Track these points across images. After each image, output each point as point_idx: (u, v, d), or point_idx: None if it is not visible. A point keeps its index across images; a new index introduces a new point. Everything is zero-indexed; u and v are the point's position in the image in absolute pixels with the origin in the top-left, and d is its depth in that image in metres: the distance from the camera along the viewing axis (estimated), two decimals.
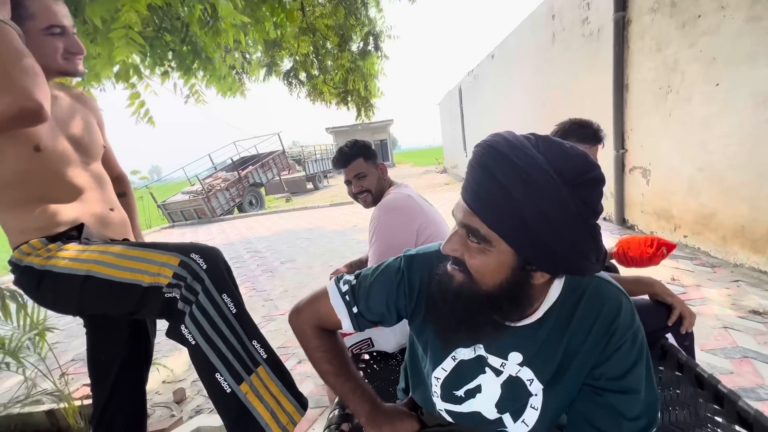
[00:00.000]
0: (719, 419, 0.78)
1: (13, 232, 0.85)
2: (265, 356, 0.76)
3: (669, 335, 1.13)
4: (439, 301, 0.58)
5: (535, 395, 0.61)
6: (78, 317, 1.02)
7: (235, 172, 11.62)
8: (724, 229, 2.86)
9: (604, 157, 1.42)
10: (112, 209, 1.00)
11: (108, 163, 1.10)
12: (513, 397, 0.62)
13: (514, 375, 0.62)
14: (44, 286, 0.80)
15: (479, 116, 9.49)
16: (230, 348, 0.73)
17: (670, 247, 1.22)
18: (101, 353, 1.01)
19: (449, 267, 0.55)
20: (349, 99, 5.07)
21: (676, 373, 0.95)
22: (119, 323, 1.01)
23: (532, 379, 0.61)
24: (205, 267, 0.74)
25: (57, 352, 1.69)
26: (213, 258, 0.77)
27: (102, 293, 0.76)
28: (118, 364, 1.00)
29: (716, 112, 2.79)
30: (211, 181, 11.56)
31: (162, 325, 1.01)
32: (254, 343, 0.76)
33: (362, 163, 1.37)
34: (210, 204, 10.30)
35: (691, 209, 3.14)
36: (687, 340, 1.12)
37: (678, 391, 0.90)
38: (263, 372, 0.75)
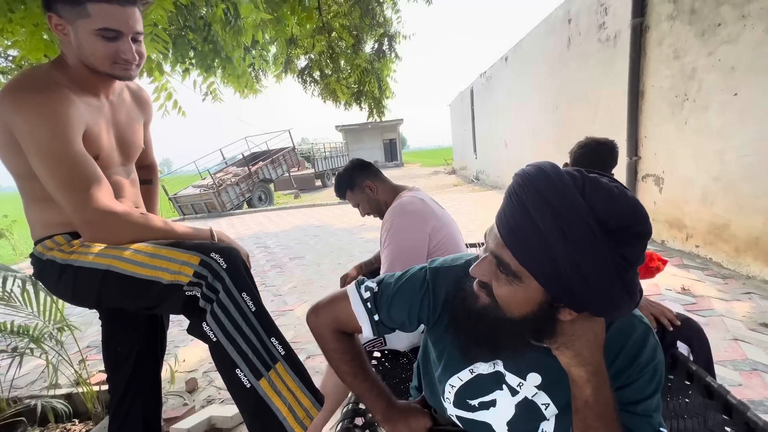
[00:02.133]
0: (728, 429, 0.79)
1: (37, 224, 0.88)
2: (283, 353, 0.79)
3: (681, 345, 1.14)
4: (463, 317, 0.58)
5: (548, 420, 0.62)
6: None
7: (246, 168, 11.74)
8: (738, 240, 2.83)
9: (619, 166, 1.43)
10: (136, 207, 1.02)
11: (144, 152, 1.13)
12: (526, 419, 0.63)
13: (530, 398, 0.62)
14: (65, 279, 0.83)
15: (490, 119, 9.45)
16: (250, 345, 0.75)
17: (664, 262, 1.25)
18: (118, 345, 1.04)
19: (475, 287, 0.55)
20: (362, 99, 5.09)
21: (686, 382, 0.96)
22: (136, 316, 1.03)
23: (548, 404, 0.61)
24: (225, 266, 0.77)
25: (77, 337, 1.74)
26: (233, 257, 0.79)
27: (121, 288, 0.78)
28: (135, 356, 1.03)
29: (734, 122, 2.76)
30: (222, 175, 11.69)
31: (175, 317, 1.04)
32: (272, 339, 0.79)
33: (351, 195, 1.47)
34: (220, 198, 10.43)
35: (704, 219, 3.11)
36: (701, 350, 1.13)
37: (687, 400, 0.91)
38: (281, 368, 0.77)
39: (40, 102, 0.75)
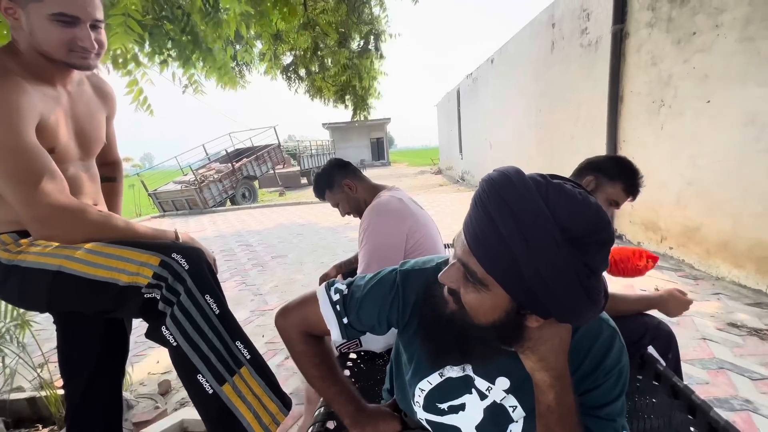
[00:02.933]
0: (692, 428, 0.81)
1: None
2: (248, 357, 0.76)
3: (651, 348, 1.17)
4: (432, 322, 0.58)
5: (516, 422, 0.62)
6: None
7: (229, 164, 11.52)
8: (708, 242, 2.93)
9: None
10: (95, 205, 0.96)
11: (107, 148, 1.08)
12: (494, 422, 0.63)
13: (498, 401, 0.62)
14: (12, 281, 0.77)
15: (476, 120, 9.55)
16: (213, 349, 0.72)
17: (655, 259, 1.26)
18: (74, 350, 0.97)
19: (445, 293, 0.55)
20: (347, 97, 5.06)
21: (654, 382, 0.98)
22: (94, 320, 0.97)
23: (516, 407, 0.61)
24: (187, 267, 0.73)
25: (39, 340, 1.67)
26: (195, 258, 0.75)
27: (74, 290, 0.73)
28: (93, 362, 0.96)
29: (706, 129, 2.86)
30: (205, 171, 11.45)
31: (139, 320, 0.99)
32: (237, 343, 0.76)
33: (330, 195, 1.45)
34: (202, 195, 10.21)
35: (678, 222, 3.22)
36: (671, 353, 1.16)
37: (654, 400, 0.93)
38: (246, 372, 0.75)
39: None
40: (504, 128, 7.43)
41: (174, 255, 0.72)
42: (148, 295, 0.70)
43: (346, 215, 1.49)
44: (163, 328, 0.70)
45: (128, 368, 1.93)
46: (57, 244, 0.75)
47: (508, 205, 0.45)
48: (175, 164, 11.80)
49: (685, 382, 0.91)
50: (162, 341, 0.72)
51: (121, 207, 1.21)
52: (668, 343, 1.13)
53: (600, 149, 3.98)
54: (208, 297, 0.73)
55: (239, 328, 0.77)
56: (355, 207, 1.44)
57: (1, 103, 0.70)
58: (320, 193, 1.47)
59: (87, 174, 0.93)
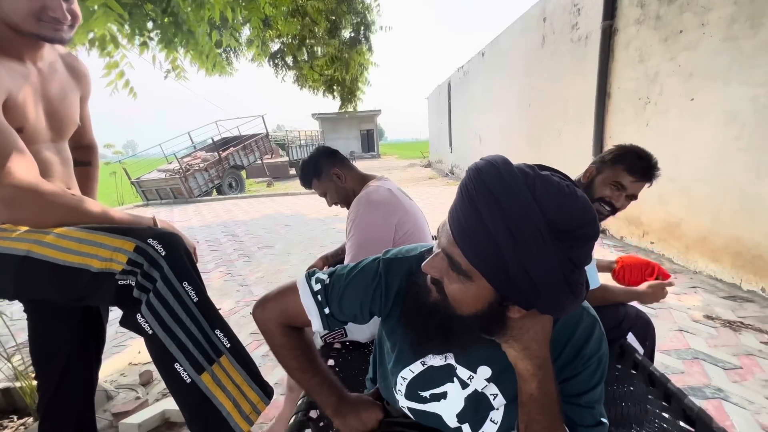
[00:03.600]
0: (666, 415, 0.84)
1: None
2: (228, 345, 0.74)
3: (630, 336, 1.20)
4: (415, 311, 0.58)
5: (497, 410, 0.63)
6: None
7: (216, 153, 11.29)
8: (688, 238, 3.01)
9: (584, 164, 1.42)
10: (68, 189, 0.91)
11: (81, 130, 1.02)
12: (475, 410, 0.63)
13: (479, 390, 0.62)
14: None
15: (466, 113, 9.55)
16: (191, 337, 0.69)
17: (666, 276, 1.27)
18: (46, 341, 0.93)
19: (428, 282, 0.55)
20: (335, 88, 4.99)
21: (632, 371, 1.01)
22: (67, 308, 0.93)
23: (497, 394, 0.62)
24: (164, 253, 0.70)
25: (13, 330, 1.61)
26: (173, 244, 0.72)
27: (43, 277, 0.70)
28: (66, 353, 0.92)
29: (689, 126, 2.92)
30: (190, 160, 11.19)
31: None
32: (217, 332, 0.73)
33: (317, 183, 1.42)
34: (187, 184, 10.00)
35: (659, 218, 3.29)
36: (648, 341, 1.20)
37: (632, 388, 0.95)
38: (226, 361, 0.73)
39: None
40: (494, 122, 7.46)
41: (150, 240, 0.69)
42: (123, 282, 0.68)
43: (334, 205, 1.46)
44: (138, 316, 0.67)
45: (107, 359, 1.90)
46: (26, 228, 0.71)
47: (495, 197, 0.44)
48: (159, 152, 11.49)
49: (661, 371, 0.93)
50: (137, 329, 0.69)
51: (96, 192, 1.16)
52: (646, 331, 1.16)
53: (587, 145, 4.03)
54: (186, 284, 0.71)
55: (219, 316, 0.75)
56: (343, 197, 1.41)
57: None
58: (307, 182, 1.44)
59: (59, 157, 0.89)
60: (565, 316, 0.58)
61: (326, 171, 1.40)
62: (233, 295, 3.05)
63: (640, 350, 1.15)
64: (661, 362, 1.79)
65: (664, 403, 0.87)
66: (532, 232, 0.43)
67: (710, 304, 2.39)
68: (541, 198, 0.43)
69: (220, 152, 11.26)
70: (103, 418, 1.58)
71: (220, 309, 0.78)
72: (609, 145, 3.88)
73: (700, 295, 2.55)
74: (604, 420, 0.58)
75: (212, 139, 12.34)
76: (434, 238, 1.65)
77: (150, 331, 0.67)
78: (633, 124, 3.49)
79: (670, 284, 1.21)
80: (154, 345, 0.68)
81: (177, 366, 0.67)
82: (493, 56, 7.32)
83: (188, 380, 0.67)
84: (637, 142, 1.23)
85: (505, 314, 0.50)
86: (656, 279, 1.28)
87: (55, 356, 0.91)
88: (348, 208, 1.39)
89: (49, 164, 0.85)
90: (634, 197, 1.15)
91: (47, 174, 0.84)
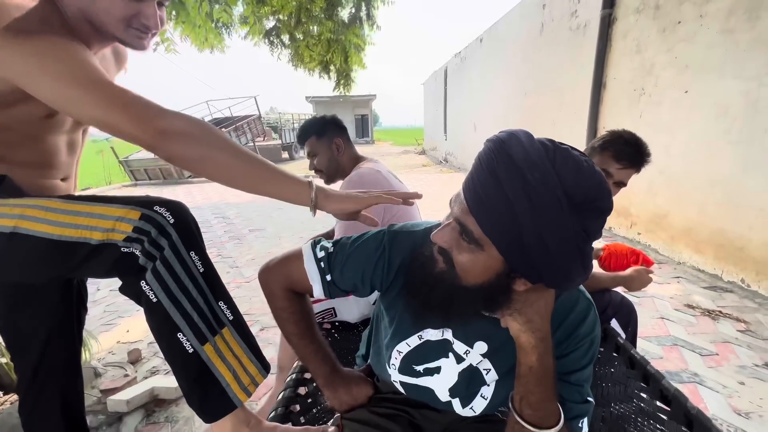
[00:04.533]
0: (644, 395, 0.87)
1: None
2: (231, 318, 0.73)
3: (614, 321, 1.23)
4: (419, 281, 0.58)
5: (488, 385, 0.64)
6: None
7: None
8: (674, 229, 3.07)
9: None
10: (65, 178, 0.87)
11: None
12: (467, 384, 0.65)
13: (474, 365, 0.64)
14: None
15: (462, 100, 9.48)
16: (195, 307, 0.68)
17: (649, 263, 1.30)
18: (20, 321, 0.87)
19: (435, 252, 0.55)
20: (330, 69, 4.89)
21: (613, 354, 1.04)
22: (43, 286, 0.88)
23: (490, 370, 0.63)
24: (172, 221, 0.67)
25: None
26: (181, 212, 0.70)
27: (33, 254, 0.66)
28: (44, 334, 0.88)
29: (682, 118, 2.94)
30: None
31: (111, 282, 0.90)
32: (221, 303, 0.72)
33: (314, 141, 1.38)
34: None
35: (648, 209, 3.35)
36: (630, 327, 1.23)
37: (612, 370, 0.98)
38: (228, 333, 0.72)
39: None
40: (490, 110, 7.43)
41: (157, 208, 0.67)
42: (126, 249, 0.65)
43: (316, 173, 1.42)
44: (143, 284, 0.65)
45: (93, 337, 1.89)
46: (13, 201, 0.68)
47: (517, 165, 0.44)
48: None
49: (641, 355, 0.96)
50: (138, 297, 0.67)
51: (77, 175, 1.11)
52: (629, 317, 1.19)
53: (581, 135, 4.05)
54: (193, 254, 0.69)
55: (223, 288, 0.74)
56: (333, 168, 1.39)
57: (61, 47, 0.62)
58: (305, 137, 1.39)
59: (68, 145, 0.84)
60: (562, 298, 0.59)
61: (329, 136, 1.38)
62: (223, 277, 2.99)
63: (623, 335, 1.19)
64: (642, 348, 1.85)
65: (642, 384, 0.90)
66: (552, 200, 0.43)
67: (691, 294, 2.46)
68: (560, 169, 0.44)
69: None
70: (91, 394, 1.58)
71: None
72: None
73: (682, 285, 2.62)
74: (590, 399, 0.60)
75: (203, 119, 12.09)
76: None
77: (154, 299, 0.65)
78: (627, 115, 3.50)
79: (651, 272, 1.24)
80: (156, 314, 0.66)
81: (180, 336, 0.66)
82: (491, 43, 7.23)
83: (191, 350, 0.67)
84: None
85: (510, 287, 0.51)
86: (640, 264, 1.31)
87: (31, 339, 0.88)
88: (327, 182, 1.38)
89: (56, 153, 0.81)
90: (622, 184, 1.16)
91: (49, 163, 0.80)
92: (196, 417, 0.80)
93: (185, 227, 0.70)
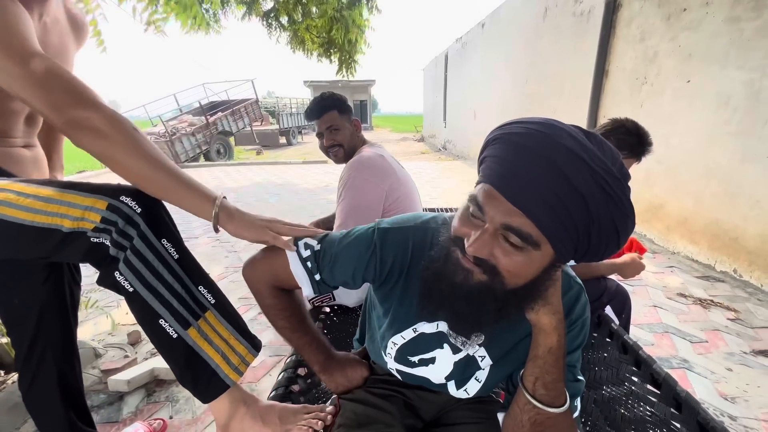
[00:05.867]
0: (635, 379, 0.89)
1: None
2: (213, 301, 0.73)
3: (608, 308, 1.25)
4: (435, 289, 0.54)
5: (483, 370, 0.65)
6: None
7: (203, 117, 10.91)
8: (670, 219, 3.09)
9: None
10: (27, 146, 0.87)
11: None
12: (461, 371, 0.66)
13: (471, 354, 0.64)
14: None
15: (462, 87, 9.37)
16: (174, 294, 0.68)
17: (642, 251, 1.32)
18: (13, 296, 0.89)
19: (466, 263, 0.50)
20: (332, 51, 4.79)
21: (607, 339, 1.06)
22: (34, 263, 0.90)
23: (485, 357, 0.64)
24: (139, 210, 0.67)
25: None
26: (149, 200, 0.69)
27: (7, 238, 0.66)
28: (37, 310, 0.90)
29: (683, 109, 2.93)
30: (176, 123, 10.82)
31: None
32: (201, 288, 0.72)
33: (336, 116, 1.34)
34: (173, 148, 9.71)
35: (645, 199, 3.36)
36: (624, 314, 1.25)
37: (605, 354, 1.00)
38: (211, 317, 0.72)
39: None
40: (490, 97, 7.35)
41: (123, 198, 0.66)
42: (95, 239, 0.65)
43: (330, 148, 1.38)
44: (117, 274, 0.65)
45: (94, 318, 1.90)
46: None
47: (578, 155, 0.43)
48: (143, 114, 11.05)
49: (633, 341, 0.98)
50: (116, 288, 0.68)
51: (62, 152, 1.10)
52: (623, 304, 1.22)
53: (581, 124, 4.00)
54: (164, 241, 0.69)
55: (203, 273, 0.74)
56: (350, 145, 1.37)
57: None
58: (327, 108, 1.34)
59: (25, 113, 0.83)
60: None
61: (350, 115, 1.38)
62: (222, 261, 3.05)
63: (617, 322, 1.21)
64: (634, 334, 1.89)
65: (634, 368, 0.92)
66: (618, 185, 0.44)
67: (685, 283, 2.50)
68: (605, 150, 0.45)
69: (208, 117, 10.89)
70: (91, 374, 1.60)
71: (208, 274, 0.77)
72: None
73: (676, 274, 2.65)
74: (581, 378, 0.62)
75: (199, 103, 11.88)
76: (426, 210, 1.66)
77: (131, 289, 0.66)
78: (628, 104, 3.48)
79: (642, 257, 1.27)
80: (135, 303, 0.67)
81: (162, 322, 0.66)
82: (493, 28, 7.10)
83: (175, 336, 0.67)
84: None
85: (551, 278, 0.51)
86: (634, 251, 1.33)
87: (25, 314, 0.89)
88: (338, 160, 1.38)
89: (14, 118, 0.79)
90: None
91: (6, 130, 0.79)
92: None
93: (154, 216, 0.68)
